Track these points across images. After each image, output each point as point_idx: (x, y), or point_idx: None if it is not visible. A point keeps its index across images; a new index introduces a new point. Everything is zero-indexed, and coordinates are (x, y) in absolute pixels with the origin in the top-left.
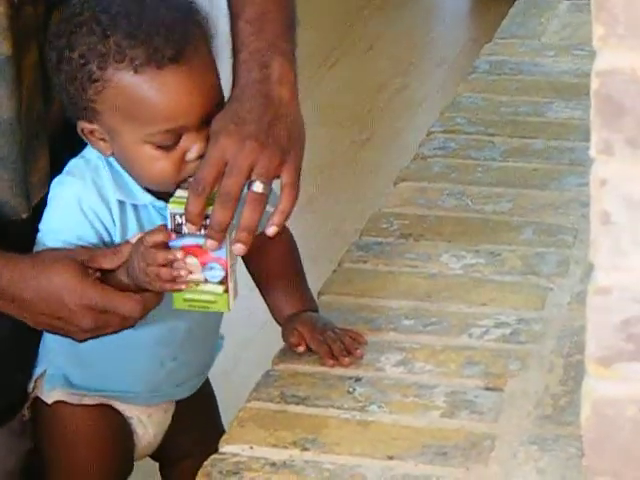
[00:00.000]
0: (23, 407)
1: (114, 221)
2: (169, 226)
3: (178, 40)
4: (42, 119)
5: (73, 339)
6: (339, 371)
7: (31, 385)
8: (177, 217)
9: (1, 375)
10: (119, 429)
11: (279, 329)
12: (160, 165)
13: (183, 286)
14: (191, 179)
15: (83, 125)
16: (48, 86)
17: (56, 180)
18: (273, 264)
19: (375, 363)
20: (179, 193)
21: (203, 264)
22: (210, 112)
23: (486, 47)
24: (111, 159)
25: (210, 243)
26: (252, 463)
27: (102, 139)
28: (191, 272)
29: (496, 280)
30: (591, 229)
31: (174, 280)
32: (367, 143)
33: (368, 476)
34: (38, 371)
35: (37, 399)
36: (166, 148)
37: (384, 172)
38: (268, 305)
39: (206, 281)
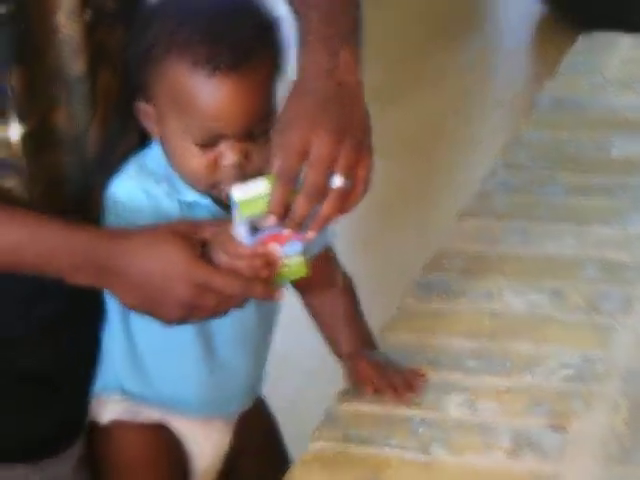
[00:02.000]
0: (81, 433)
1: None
2: (244, 233)
3: (241, 50)
4: (115, 143)
5: (161, 321)
6: (402, 411)
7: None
8: (254, 222)
9: (64, 397)
10: (176, 451)
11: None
12: (195, 162)
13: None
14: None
15: (140, 104)
16: (126, 114)
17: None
18: (332, 302)
19: (438, 404)
20: (243, 196)
21: (283, 244)
22: (253, 126)
23: (548, 83)
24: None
25: (288, 232)
26: None
27: (154, 121)
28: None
29: (559, 319)
30: None
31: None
32: (429, 178)
33: None
34: (97, 388)
35: (92, 424)
36: (203, 147)
37: (445, 208)
38: (328, 343)
39: (286, 256)
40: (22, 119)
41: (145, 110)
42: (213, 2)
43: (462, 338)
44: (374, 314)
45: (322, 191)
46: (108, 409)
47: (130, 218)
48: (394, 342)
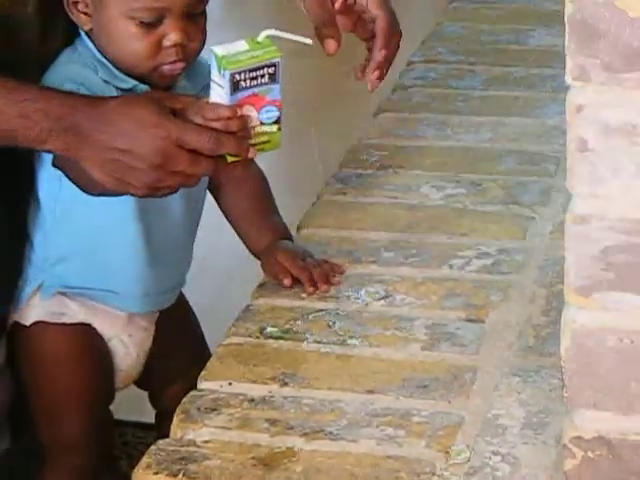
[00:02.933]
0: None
1: None
2: (225, 87)
3: None
4: (49, 35)
5: (131, 193)
6: (319, 304)
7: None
8: (236, 76)
9: None
10: (99, 349)
11: (259, 263)
12: (137, 45)
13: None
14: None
15: None
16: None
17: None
18: (244, 199)
19: (355, 296)
20: (225, 52)
21: (259, 109)
22: (193, 4)
23: None
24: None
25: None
26: (231, 399)
27: (84, 12)
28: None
29: (477, 210)
30: (568, 157)
31: (242, 131)
32: (350, 74)
33: (348, 410)
34: (28, 290)
35: (15, 326)
36: (146, 28)
37: (366, 103)
38: (243, 241)
39: (261, 124)
40: None
41: (75, 0)
42: None
43: (379, 231)
44: (295, 210)
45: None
46: (32, 311)
47: None
48: (311, 235)
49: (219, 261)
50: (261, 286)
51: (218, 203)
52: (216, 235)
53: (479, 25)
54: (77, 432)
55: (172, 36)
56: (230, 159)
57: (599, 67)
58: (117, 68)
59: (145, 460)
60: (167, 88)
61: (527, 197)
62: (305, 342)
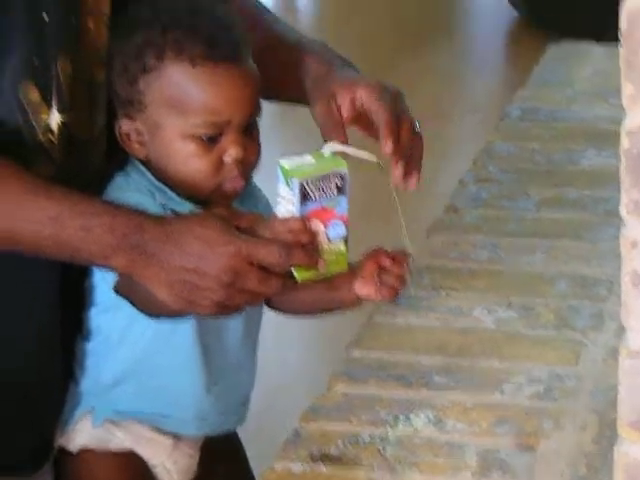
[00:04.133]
0: (47, 459)
1: None
2: (294, 199)
3: (235, 41)
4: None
5: (199, 312)
6: (369, 430)
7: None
8: (305, 186)
9: (27, 424)
10: (144, 476)
11: (311, 379)
12: (198, 163)
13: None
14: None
15: (122, 124)
16: None
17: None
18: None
19: (405, 422)
20: (291, 164)
21: (327, 224)
22: (251, 116)
23: (518, 94)
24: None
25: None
26: None
27: (138, 142)
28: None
29: (529, 335)
30: (622, 291)
31: (312, 243)
32: (399, 189)
33: None
34: (76, 414)
35: (62, 451)
36: (206, 145)
37: (416, 220)
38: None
39: (329, 241)
40: (60, 108)
41: (127, 131)
42: (186, 2)
43: (430, 354)
44: (344, 328)
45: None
46: (78, 436)
47: None
48: (361, 358)
49: (267, 377)
50: (311, 408)
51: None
52: (262, 349)
53: (531, 144)
54: None
55: (232, 151)
56: (300, 276)
57: None
58: (174, 192)
59: None
60: None
61: (579, 321)
62: (356, 468)
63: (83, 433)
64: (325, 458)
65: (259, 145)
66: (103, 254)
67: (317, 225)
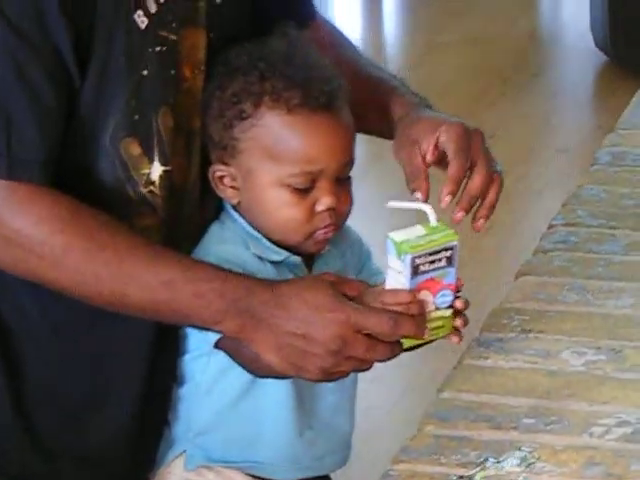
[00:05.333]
0: None
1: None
2: (405, 272)
3: (331, 90)
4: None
5: (305, 377)
6: (460, 471)
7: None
8: (416, 260)
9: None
10: None
11: (398, 423)
12: (291, 212)
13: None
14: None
15: (216, 168)
16: None
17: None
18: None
19: (496, 464)
20: (403, 238)
21: (435, 294)
22: (345, 166)
23: (608, 137)
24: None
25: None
26: None
27: (232, 186)
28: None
29: (618, 377)
30: None
31: (421, 315)
32: (489, 231)
33: None
34: (170, 456)
35: None
36: (299, 194)
37: (504, 262)
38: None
39: (436, 309)
40: (161, 160)
41: (221, 175)
42: (282, 50)
43: (519, 396)
44: (434, 369)
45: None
46: (170, 477)
47: None
48: (451, 399)
49: (360, 421)
50: (402, 450)
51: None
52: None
53: (620, 189)
54: None
55: (325, 200)
56: (407, 343)
57: None
58: (267, 239)
59: None
60: (312, 256)
61: None
62: None
63: (175, 476)
64: None
65: (351, 195)
66: (214, 319)
67: (426, 295)
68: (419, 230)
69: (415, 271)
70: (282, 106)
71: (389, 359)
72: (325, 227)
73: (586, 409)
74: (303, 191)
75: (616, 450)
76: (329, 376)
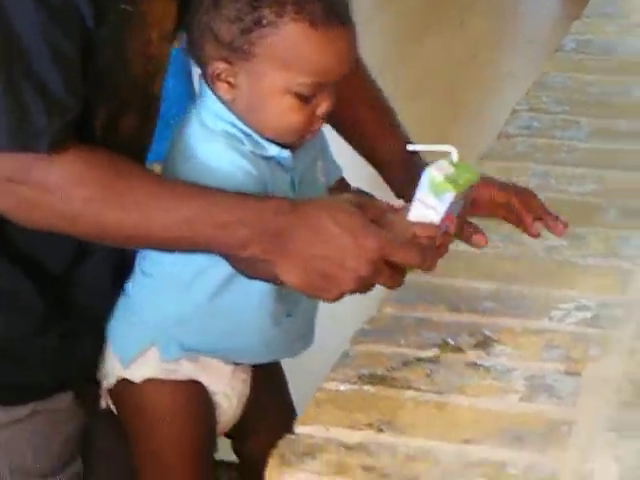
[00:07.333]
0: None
1: (255, 174)
2: (439, 208)
3: (347, 4)
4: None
5: (321, 297)
6: (417, 353)
7: (115, 365)
8: (454, 198)
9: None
10: (207, 405)
11: (361, 310)
12: (294, 117)
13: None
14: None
15: (218, 66)
16: None
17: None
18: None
19: (454, 345)
20: (445, 176)
21: (448, 227)
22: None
23: (574, 25)
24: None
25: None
26: (327, 444)
27: (228, 82)
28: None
29: (579, 263)
30: None
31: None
32: (455, 118)
33: (443, 460)
34: (142, 346)
35: (122, 382)
36: (304, 100)
37: (470, 147)
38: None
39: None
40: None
41: (221, 71)
42: None
43: (480, 280)
44: None
45: None
46: (143, 368)
47: (216, 180)
48: (412, 282)
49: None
50: (361, 331)
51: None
52: None
53: (584, 76)
54: None
55: (325, 105)
56: (409, 270)
57: None
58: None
59: None
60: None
61: (628, 251)
62: (402, 390)
63: (150, 367)
64: (373, 379)
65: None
66: (240, 246)
67: (445, 227)
68: (448, 167)
69: (449, 208)
70: (305, 17)
71: (394, 287)
72: (316, 127)
73: (546, 294)
74: (307, 97)
75: (575, 334)
76: (341, 297)
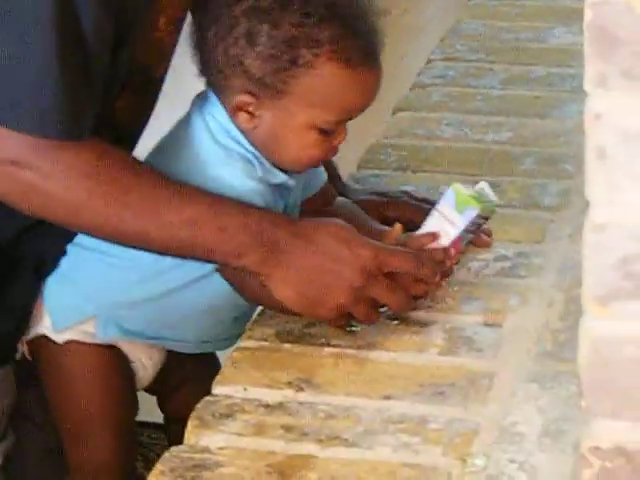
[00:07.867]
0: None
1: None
2: (459, 223)
3: (379, 47)
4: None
5: (319, 314)
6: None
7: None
8: (475, 217)
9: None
10: (125, 369)
11: None
12: (314, 151)
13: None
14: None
15: (243, 98)
16: None
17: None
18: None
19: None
20: (471, 193)
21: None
22: None
23: None
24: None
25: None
26: (245, 405)
27: (248, 113)
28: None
29: (496, 212)
30: (586, 165)
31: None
32: None
33: (363, 417)
34: (74, 317)
35: (43, 339)
36: (325, 135)
37: (384, 99)
38: None
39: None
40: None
41: (246, 103)
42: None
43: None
44: None
45: None
46: (69, 332)
47: None
48: None
49: None
50: None
51: None
52: None
53: (499, 23)
54: (107, 452)
55: (343, 135)
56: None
57: (618, 74)
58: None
59: (159, 467)
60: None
61: (546, 199)
62: (321, 347)
63: (90, 336)
64: (291, 336)
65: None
66: (237, 252)
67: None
68: (470, 190)
69: (467, 227)
70: (341, 57)
71: (402, 310)
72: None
73: None
74: (328, 132)
75: (494, 285)
76: (342, 316)
